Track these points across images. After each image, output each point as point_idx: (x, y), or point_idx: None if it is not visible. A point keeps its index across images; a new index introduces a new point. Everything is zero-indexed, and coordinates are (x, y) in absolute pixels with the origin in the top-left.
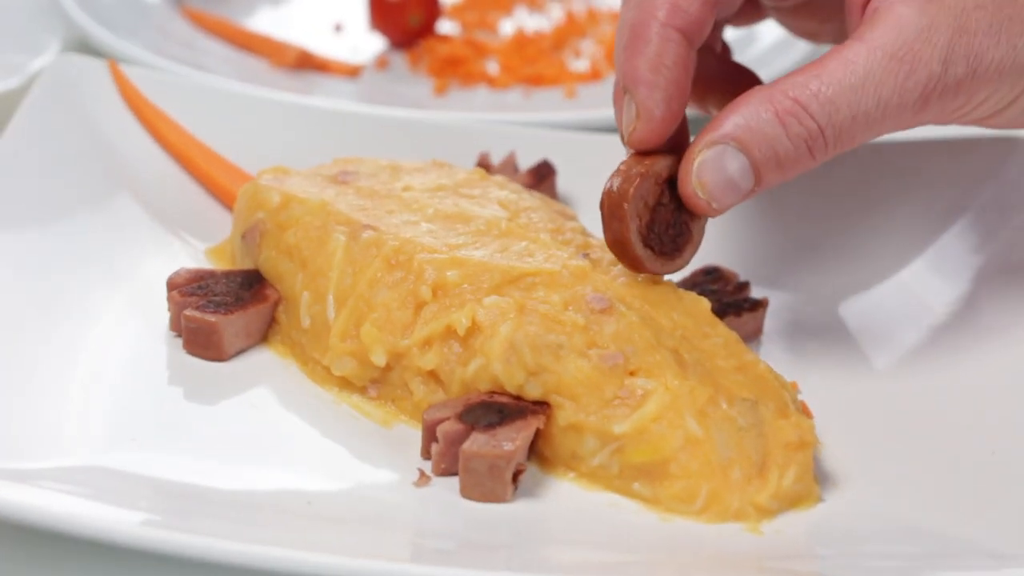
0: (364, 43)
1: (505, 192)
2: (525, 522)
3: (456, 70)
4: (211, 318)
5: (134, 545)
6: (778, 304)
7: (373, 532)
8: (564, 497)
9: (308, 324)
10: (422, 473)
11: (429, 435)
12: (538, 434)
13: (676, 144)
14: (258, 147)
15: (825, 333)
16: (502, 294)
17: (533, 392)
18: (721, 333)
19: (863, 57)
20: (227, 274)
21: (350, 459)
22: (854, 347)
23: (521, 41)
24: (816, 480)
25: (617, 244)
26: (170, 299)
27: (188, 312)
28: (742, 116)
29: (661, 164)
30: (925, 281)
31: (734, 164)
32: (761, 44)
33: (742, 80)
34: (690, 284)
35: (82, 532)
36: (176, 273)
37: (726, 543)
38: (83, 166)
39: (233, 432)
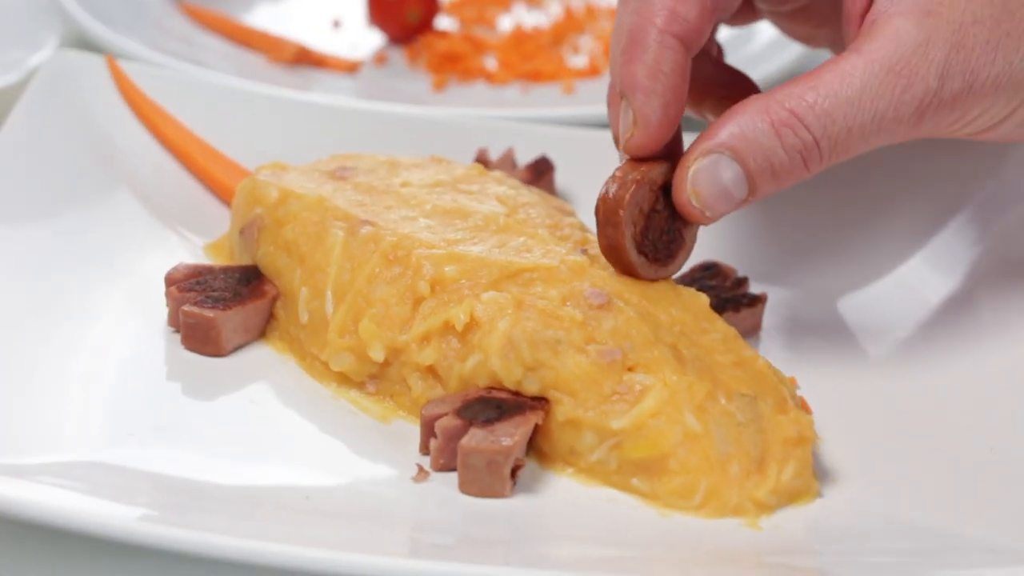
0: (362, 39)
1: (503, 188)
2: (523, 517)
3: (454, 66)
4: (209, 313)
5: (133, 540)
6: (777, 300)
7: (371, 527)
8: (563, 493)
9: (306, 319)
10: (420, 468)
11: (427, 431)
12: (536, 430)
13: (670, 151)
14: (256, 143)
15: (824, 329)
16: (500, 289)
17: (531, 388)
18: (720, 329)
19: (860, 70)
20: (225, 270)
21: (348, 454)
22: (853, 343)
23: (519, 37)
24: (815, 476)
25: (611, 250)
26: (168, 294)
27: (186, 308)
28: (738, 125)
29: (656, 171)
30: (924, 277)
31: (728, 173)
32: (756, 43)
33: (737, 85)
34: (688, 280)
35: (81, 528)
36: (174, 268)
37: (725, 538)
38: (81, 162)
39: (231, 428)
